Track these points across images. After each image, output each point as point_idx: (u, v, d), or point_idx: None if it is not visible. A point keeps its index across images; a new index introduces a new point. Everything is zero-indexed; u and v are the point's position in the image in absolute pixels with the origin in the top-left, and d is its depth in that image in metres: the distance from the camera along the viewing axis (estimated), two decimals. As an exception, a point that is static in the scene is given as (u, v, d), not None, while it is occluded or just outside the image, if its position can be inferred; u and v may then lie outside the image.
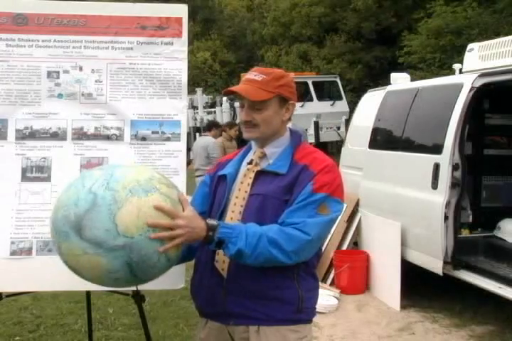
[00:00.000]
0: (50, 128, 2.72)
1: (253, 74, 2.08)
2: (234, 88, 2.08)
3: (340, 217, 6.05)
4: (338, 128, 15.62)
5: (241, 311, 2.02)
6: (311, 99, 16.17)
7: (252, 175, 2.09)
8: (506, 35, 5.93)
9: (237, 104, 15.59)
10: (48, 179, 2.69)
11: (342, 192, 2.07)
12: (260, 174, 2.08)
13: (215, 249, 1.93)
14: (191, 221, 1.86)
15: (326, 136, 15.38)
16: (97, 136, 2.73)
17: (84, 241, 1.77)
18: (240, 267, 1.99)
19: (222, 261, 2.04)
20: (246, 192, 2.07)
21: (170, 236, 1.81)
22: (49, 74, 2.73)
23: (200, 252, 2.13)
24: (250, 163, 2.13)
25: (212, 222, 1.91)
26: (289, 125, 7.91)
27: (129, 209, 1.78)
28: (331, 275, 5.74)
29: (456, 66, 5.90)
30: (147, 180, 1.87)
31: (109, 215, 1.76)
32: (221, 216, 2.09)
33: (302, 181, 2.00)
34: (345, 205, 6.08)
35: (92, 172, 1.91)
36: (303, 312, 2.06)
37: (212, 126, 8.76)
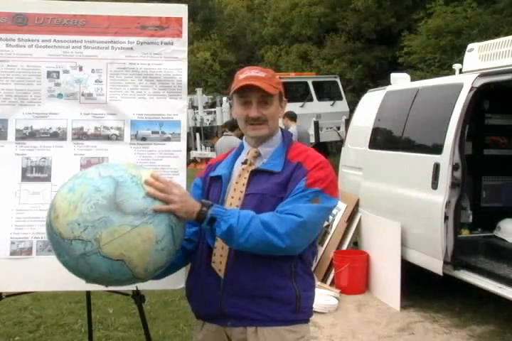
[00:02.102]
0: (50, 128, 2.72)
1: (254, 72, 2.09)
2: (250, 82, 2.03)
3: (340, 217, 6.06)
4: (338, 128, 15.60)
5: (238, 312, 2.02)
6: (311, 99, 16.15)
7: (247, 174, 2.09)
8: (506, 35, 5.93)
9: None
10: (48, 179, 2.69)
11: (335, 188, 2.06)
12: (255, 173, 2.08)
13: (207, 226, 1.93)
14: (185, 195, 1.92)
15: (326, 136, 15.37)
16: (97, 136, 2.74)
17: (128, 214, 1.81)
18: (237, 268, 2.00)
19: (219, 262, 2.04)
20: (241, 192, 2.07)
21: (164, 198, 1.86)
22: (49, 74, 2.73)
23: (196, 254, 2.13)
24: (245, 162, 2.13)
25: (207, 201, 1.97)
26: (294, 127, 7.94)
27: (148, 176, 1.91)
28: (331, 276, 5.74)
29: (456, 66, 5.90)
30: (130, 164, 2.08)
31: (138, 186, 1.86)
32: None
33: (296, 178, 2.01)
34: (345, 205, 6.08)
35: (84, 171, 1.99)
36: (301, 312, 2.06)
37: (236, 126, 8.72)
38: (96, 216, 1.79)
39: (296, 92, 16.71)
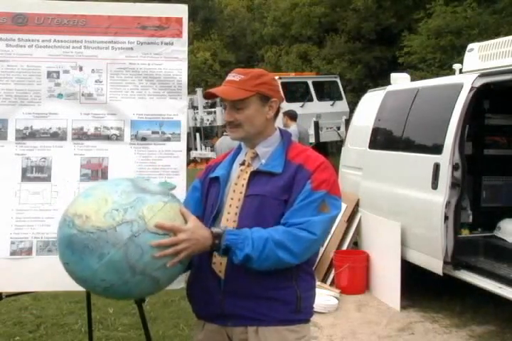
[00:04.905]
0: (50, 128, 2.72)
1: (232, 76, 2.10)
2: (212, 90, 2.10)
3: (340, 217, 6.06)
4: (338, 128, 15.59)
5: (239, 312, 2.02)
6: (311, 99, 16.13)
7: (247, 176, 2.08)
8: (506, 35, 5.93)
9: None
10: (48, 179, 2.69)
11: (339, 189, 2.07)
12: (255, 174, 2.07)
13: (223, 256, 1.95)
14: (194, 232, 1.87)
15: (326, 136, 15.36)
16: (97, 136, 2.74)
17: (155, 194, 1.91)
18: (237, 268, 1.99)
19: (219, 263, 2.04)
20: (241, 193, 2.06)
21: (174, 252, 1.83)
22: (49, 74, 2.73)
23: (196, 255, 2.13)
24: (243, 163, 2.13)
25: (217, 230, 1.92)
26: (294, 126, 7.93)
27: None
28: (331, 276, 5.74)
29: (456, 66, 5.90)
30: None
31: (148, 180, 2.05)
32: (215, 218, 2.08)
33: (300, 180, 2.00)
34: (345, 205, 6.08)
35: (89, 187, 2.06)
36: (301, 312, 2.06)
37: None
38: (130, 198, 1.84)
39: (296, 92, 16.71)
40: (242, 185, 2.07)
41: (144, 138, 2.75)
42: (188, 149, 15.72)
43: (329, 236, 6.09)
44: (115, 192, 1.86)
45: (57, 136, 2.72)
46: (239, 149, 2.21)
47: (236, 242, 1.89)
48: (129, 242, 1.79)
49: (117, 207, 1.81)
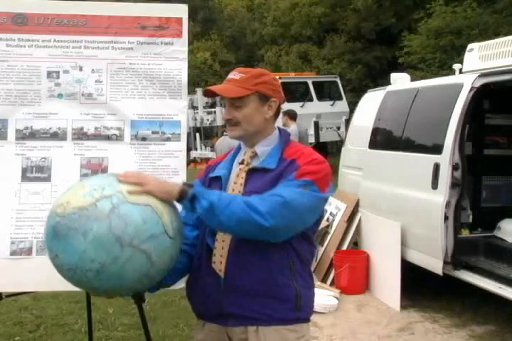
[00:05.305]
0: (50, 128, 2.72)
1: (233, 74, 2.11)
2: (211, 87, 2.12)
3: (340, 217, 6.06)
4: (338, 128, 15.59)
5: (239, 312, 2.02)
6: (311, 99, 16.14)
7: (244, 174, 2.09)
8: (506, 35, 5.93)
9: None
10: (48, 179, 2.70)
11: (327, 184, 2.01)
12: (252, 172, 2.08)
13: (189, 205, 1.92)
14: (159, 179, 1.98)
15: (326, 136, 15.36)
16: (97, 136, 2.74)
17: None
18: (236, 267, 2.00)
19: (219, 262, 2.04)
20: (239, 192, 2.06)
21: (138, 183, 1.89)
22: (49, 74, 2.74)
23: (196, 254, 2.13)
24: (242, 163, 2.13)
25: (188, 182, 2.03)
26: (294, 126, 7.90)
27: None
28: (331, 275, 5.73)
29: (456, 66, 5.90)
30: None
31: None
32: None
33: (287, 172, 2.00)
34: (345, 205, 6.08)
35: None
36: (301, 311, 2.06)
37: None
38: (106, 181, 1.91)
39: (296, 92, 16.71)
40: (241, 184, 2.08)
41: (144, 138, 2.76)
42: (188, 149, 15.72)
43: (329, 236, 6.11)
44: (92, 179, 2.01)
45: (57, 136, 2.72)
46: (239, 149, 2.21)
47: (203, 192, 1.93)
48: (111, 214, 1.81)
49: (95, 187, 1.86)
